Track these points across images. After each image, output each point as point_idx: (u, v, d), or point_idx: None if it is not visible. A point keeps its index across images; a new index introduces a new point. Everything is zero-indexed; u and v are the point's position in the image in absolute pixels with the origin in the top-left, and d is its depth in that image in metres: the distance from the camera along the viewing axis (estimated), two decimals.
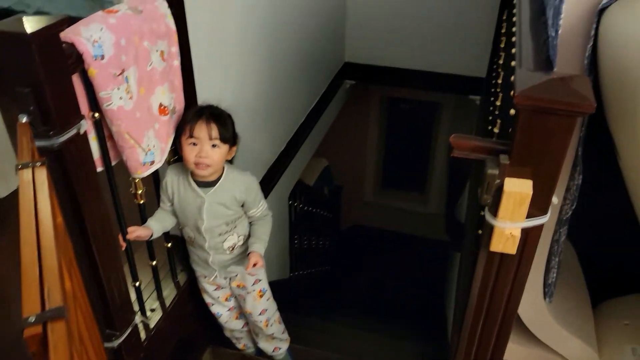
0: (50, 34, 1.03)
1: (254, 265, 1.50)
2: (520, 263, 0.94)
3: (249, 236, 1.61)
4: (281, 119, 2.49)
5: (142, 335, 1.63)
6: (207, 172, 1.43)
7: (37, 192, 0.84)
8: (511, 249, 0.89)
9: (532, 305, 1.38)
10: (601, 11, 0.97)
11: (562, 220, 1.25)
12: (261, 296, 1.72)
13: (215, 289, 1.72)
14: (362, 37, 3.38)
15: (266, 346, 1.85)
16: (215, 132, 1.38)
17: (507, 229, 0.88)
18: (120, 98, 1.22)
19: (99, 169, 1.33)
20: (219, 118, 1.41)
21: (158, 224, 1.52)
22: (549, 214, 0.90)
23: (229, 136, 1.43)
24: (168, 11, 1.41)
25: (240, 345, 1.90)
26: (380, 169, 4.85)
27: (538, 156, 0.83)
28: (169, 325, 1.74)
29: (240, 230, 1.58)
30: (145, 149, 1.32)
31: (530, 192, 0.84)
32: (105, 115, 1.23)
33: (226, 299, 1.75)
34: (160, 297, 1.75)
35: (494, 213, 0.87)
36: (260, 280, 1.71)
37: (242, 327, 1.84)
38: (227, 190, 1.49)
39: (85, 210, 1.21)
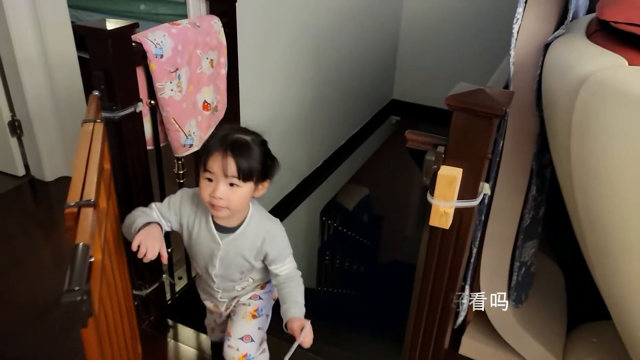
0: (122, 33, 1.38)
1: (301, 329, 1.18)
2: (457, 239, 1.15)
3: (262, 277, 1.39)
4: (320, 137, 2.78)
5: (168, 295, 1.92)
6: (223, 214, 1.18)
7: (93, 140, 1.16)
8: (445, 224, 1.10)
9: (497, 307, 1.55)
10: (547, 46, 1.18)
11: (523, 228, 1.43)
12: (254, 317, 1.38)
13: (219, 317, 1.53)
14: (412, 77, 3.65)
15: None
16: (232, 168, 1.12)
17: (441, 207, 1.09)
18: (172, 90, 1.55)
19: (149, 147, 1.66)
20: (242, 149, 1.13)
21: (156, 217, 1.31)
22: (478, 199, 1.11)
23: (254, 172, 1.15)
24: (221, 29, 1.75)
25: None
26: (421, 206, 4.99)
27: (466, 149, 1.06)
28: (191, 295, 2.01)
29: (255, 275, 1.37)
30: (187, 134, 1.64)
31: (459, 176, 1.06)
32: (158, 102, 1.56)
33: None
34: (188, 270, 2.05)
35: (432, 193, 1.09)
36: (261, 300, 1.41)
37: None
38: (249, 239, 1.25)
39: (131, 174, 1.53)
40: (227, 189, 1.14)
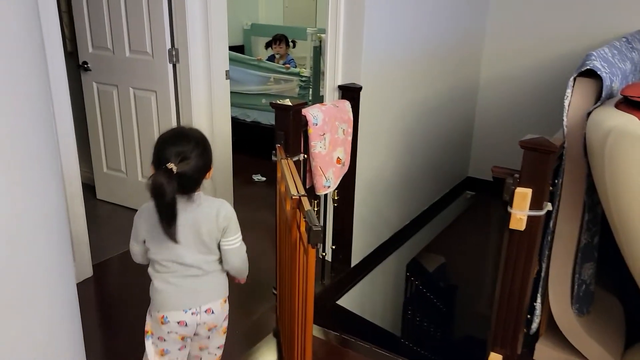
0: (298, 108, 2.09)
1: None
2: (529, 238, 1.68)
3: None
4: (409, 198, 3.38)
5: None
6: None
7: (291, 169, 1.82)
8: (520, 227, 1.65)
9: (563, 312, 2.00)
10: (589, 113, 1.76)
11: (581, 248, 1.92)
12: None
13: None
14: (485, 158, 4.23)
15: None
16: None
17: (518, 215, 1.65)
18: (320, 147, 2.24)
19: None
20: None
21: None
22: (544, 211, 1.65)
23: None
24: (350, 109, 2.46)
25: None
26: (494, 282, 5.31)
27: (533, 176, 1.63)
28: None
29: None
30: (327, 178, 2.30)
31: (529, 194, 1.62)
32: (310, 155, 2.24)
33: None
34: None
35: (511, 206, 1.65)
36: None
37: None
38: None
39: None
40: None
